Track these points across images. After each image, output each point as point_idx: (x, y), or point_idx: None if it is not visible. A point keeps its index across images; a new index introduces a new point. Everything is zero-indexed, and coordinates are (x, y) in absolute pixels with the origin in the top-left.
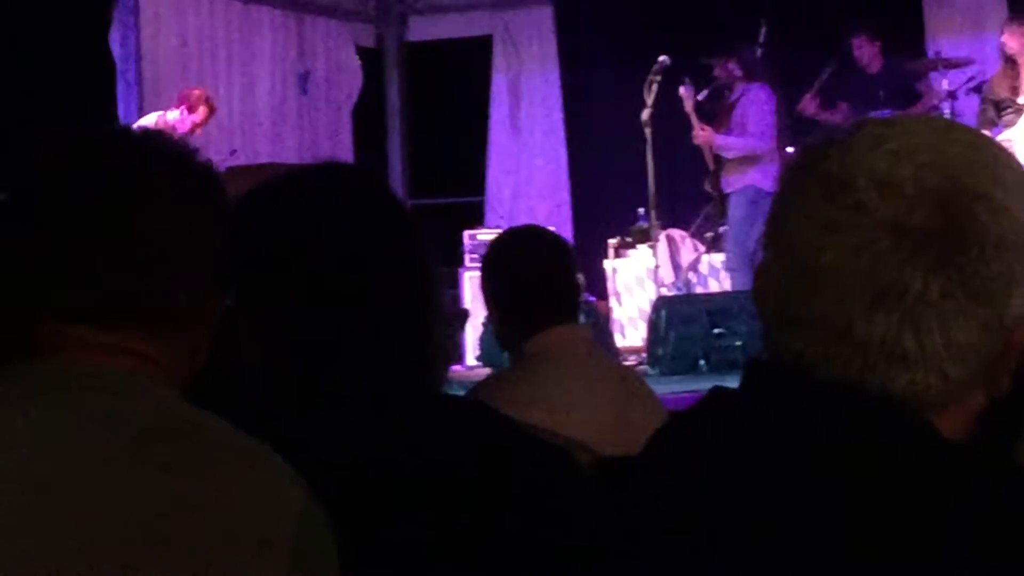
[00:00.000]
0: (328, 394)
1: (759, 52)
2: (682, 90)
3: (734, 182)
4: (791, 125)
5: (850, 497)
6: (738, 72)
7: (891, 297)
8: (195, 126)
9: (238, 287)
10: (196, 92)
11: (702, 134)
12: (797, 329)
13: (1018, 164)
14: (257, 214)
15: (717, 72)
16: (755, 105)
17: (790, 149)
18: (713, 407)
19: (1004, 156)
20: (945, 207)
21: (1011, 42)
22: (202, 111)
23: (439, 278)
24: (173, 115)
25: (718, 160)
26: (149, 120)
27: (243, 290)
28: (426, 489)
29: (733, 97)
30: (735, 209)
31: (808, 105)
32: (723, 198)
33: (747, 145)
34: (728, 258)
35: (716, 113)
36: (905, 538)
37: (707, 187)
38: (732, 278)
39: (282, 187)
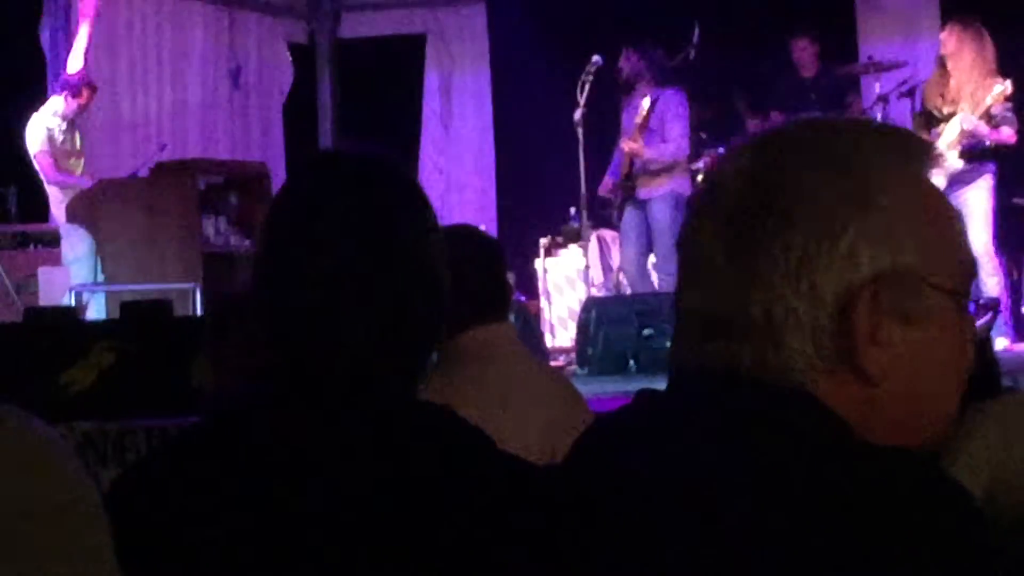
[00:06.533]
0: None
1: (692, 53)
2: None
3: (657, 188)
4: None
5: (790, 491)
6: (645, 71)
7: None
8: (81, 108)
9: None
10: (74, 77)
11: (634, 145)
12: (685, 323)
13: (860, 156)
14: (285, 214)
15: (622, 64)
16: (673, 112)
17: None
18: (642, 409)
19: (852, 141)
20: (755, 189)
21: (949, 41)
22: (86, 93)
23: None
24: (56, 104)
25: (631, 166)
26: (39, 120)
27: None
28: (379, 483)
29: (646, 101)
30: (660, 214)
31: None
32: (624, 203)
33: (670, 154)
34: (657, 263)
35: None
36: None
37: (605, 192)
38: (662, 281)
39: (308, 182)
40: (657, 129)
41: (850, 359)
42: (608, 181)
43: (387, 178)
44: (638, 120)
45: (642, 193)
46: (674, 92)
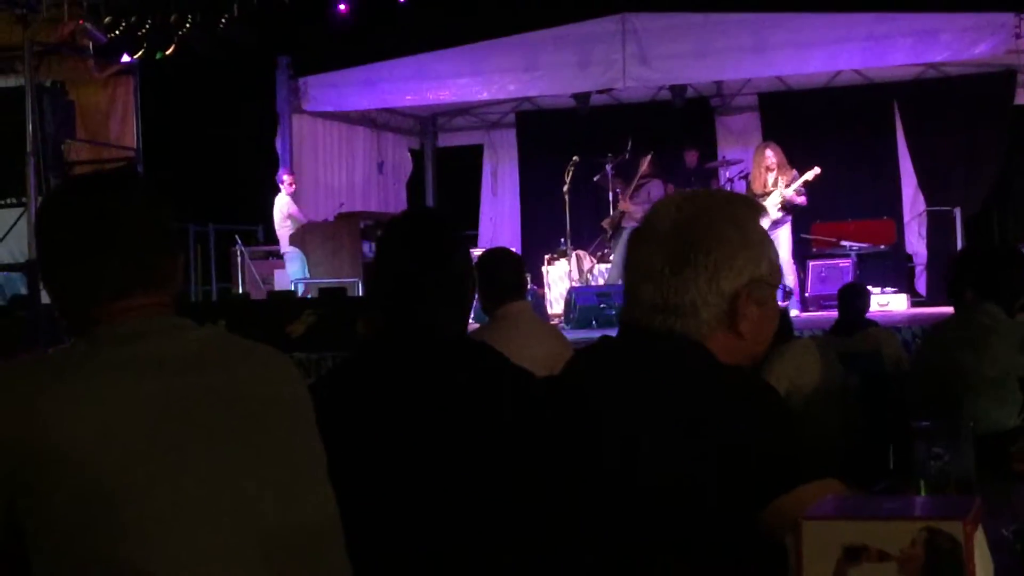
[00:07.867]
0: (407, 329)
1: (627, 155)
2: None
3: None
4: None
5: (666, 384)
6: (647, 169)
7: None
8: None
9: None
10: (287, 176)
11: (627, 203)
12: (635, 304)
13: (742, 217)
14: (390, 240)
15: (643, 166)
16: (656, 192)
17: None
18: (604, 347)
19: (737, 208)
20: (685, 234)
21: (775, 156)
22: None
23: (474, 275)
24: (286, 192)
25: (622, 214)
26: (283, 197)
27: (378, 281)
28: (450, 382)
29: (642, 183)
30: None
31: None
32: (615, 233)
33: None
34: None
35: (620, 189)
36: (691, 405)
37: (604, 224)
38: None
39: (400, 224)
40: (644, 200)
41: (733, 325)
42: (608, 220)
43: (443, 224)
44: (633, 183)
45: (624, 224)
46: (659, 181)
